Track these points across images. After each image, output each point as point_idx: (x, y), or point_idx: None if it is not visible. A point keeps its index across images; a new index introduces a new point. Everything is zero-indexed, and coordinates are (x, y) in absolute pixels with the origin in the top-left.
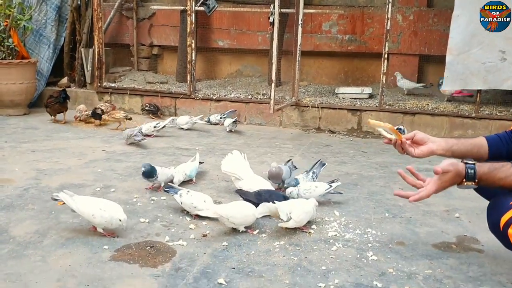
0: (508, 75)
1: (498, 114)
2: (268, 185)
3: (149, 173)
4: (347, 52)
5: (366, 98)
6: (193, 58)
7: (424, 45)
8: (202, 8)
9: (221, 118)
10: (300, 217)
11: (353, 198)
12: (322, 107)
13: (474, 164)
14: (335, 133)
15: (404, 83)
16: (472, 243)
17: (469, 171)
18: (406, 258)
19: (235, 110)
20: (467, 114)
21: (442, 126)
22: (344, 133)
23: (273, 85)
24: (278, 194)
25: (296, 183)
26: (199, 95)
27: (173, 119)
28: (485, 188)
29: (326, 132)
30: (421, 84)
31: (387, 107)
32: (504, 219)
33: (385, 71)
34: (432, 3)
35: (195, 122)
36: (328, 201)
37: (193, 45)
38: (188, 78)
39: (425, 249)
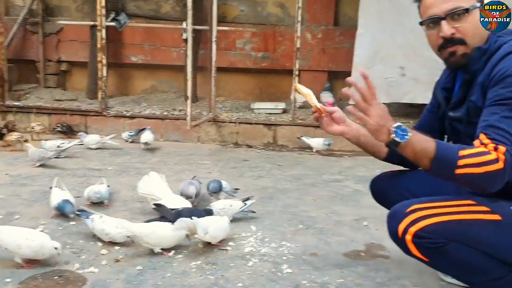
0: (408, 90)
1: None
2: (188, 204)
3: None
4: (261, 68)
5: (280, 113)
6: (104, 74)
7: (332, 62)
8: (113, 24)
9: (130, 136)
10: (216, 234)
11: (268, 211)
12: (239, 122)
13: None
14: (252, 147)
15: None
16: (379, 250)
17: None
18: (318, 268)
19: (144, 128)
20: None
21: (347, 140)
22: (261, 147)
23: (188, 101)
24: (200, 212)
25: (220, 185)
26: (112, 112)
27: (80, 137)
28: (387, 198)
29: (244, 146)
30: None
31: (299, 121)
32: (401, 227)
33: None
34: (338, 22)
35: (105, 142)
36: (245, 216)
37: (104, 61)
38: (99, 95)
39: (336, 259)
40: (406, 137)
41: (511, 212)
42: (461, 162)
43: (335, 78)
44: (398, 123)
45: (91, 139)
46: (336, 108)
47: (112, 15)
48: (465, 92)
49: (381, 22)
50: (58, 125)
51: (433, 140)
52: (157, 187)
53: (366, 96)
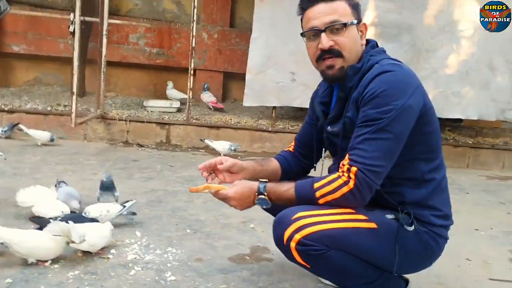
0: (298, 94)
1: (291, 128)
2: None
3: None
4: (156, 65)
5: (174, 112)
6: None
7: (228, 63)
8: None
9: (1, 132)
10: (95, 241)
11: (156, 216)
12: (130, 120)
13: (266, 181)
14: (143, 146)
15: (172, 93)
16: (263, 253)
17: (260, 185)
18: (203, 274)
19: (18, 123)
20: (264, 128)
21: (243, 139)
22: (153, 147)
23: (74, 97)
24: (84, 220)
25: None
26: None
27: None
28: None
29: (135, 146)
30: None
31: (194, 121)
32: (286, 234)
33: (191, 86)
34: (234, 24)
35: None
36: (131, 222)
37: None
38: None
39: (221, 263)
40: (268, 204)
41: (386, 220)
42: (317, 193)
43: (230, 79)
44: (257, 197)
45: None
46: (230, 163)
47: None
48: (342, 108)
49: (274, 28)
50: None
51: (291, 186)
52: (38, 194)
53: (218, 196)
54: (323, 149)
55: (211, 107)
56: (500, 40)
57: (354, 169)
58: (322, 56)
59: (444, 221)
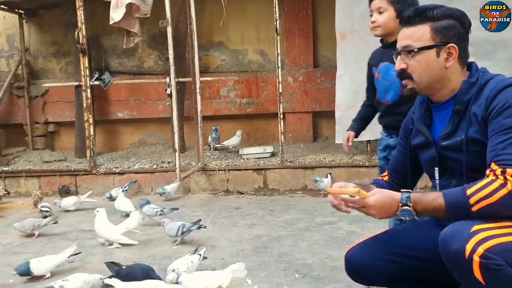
0: None
1: None
2: None
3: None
4: (246, 114)
5: (269, 157)
6: (92, 132)
7: (316, 103)
8: (97, 83)
9: (123, 191)
10: None
11: (264, 262)
12: (228, 170)
13: (409, 191)
14: (243, 193)
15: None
16: None
17: (403, 195)
18: None
19: (136, 181)
20: (361, 163)
21: (340, 176)
22: (252, 193)
23: (176, 154)
24: (143, 268)
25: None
26: (101, 170)
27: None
28: (368, 271)
29: (235, 193)
30: None
31: (288, 163)
32: (469, 246)
33: (282, 130)
34: (317, 64)
35: (83, 201)
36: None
37: (91, 120)
38: (88, 154)
39: None
40: (413, 215)
41: None
42: (472, 200)
43: (319, 118)
44: (400, 207)
45: (68, 201)
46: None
47: (96, 75)
48: (458, 122)
49: (358, 63)
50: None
51: (439, 195)
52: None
53: (355, 204)
54: (435, 168)
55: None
56: None
57: (510, 170)
58: (399, 75)
59: None
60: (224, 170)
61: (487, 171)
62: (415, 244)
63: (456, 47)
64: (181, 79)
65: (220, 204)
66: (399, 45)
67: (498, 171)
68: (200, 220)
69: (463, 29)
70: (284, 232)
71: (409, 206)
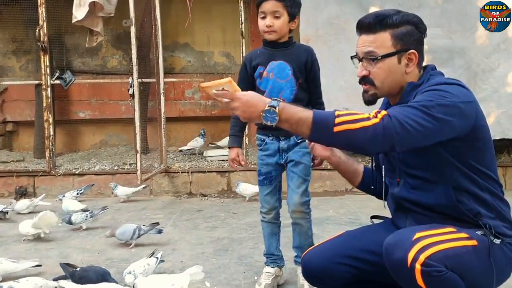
0: None
1: None
2: None
3: None
4: (212, 116)
5: None
6: (51, 132)
7: None
8: (58, 82)
9: (78, 194)
10: None
11: (224, 265)
12: (192, 172)
13: (280, 100)
14: (206, 196)
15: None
16: None
17: (273, 100)
18: None
19: (93, 184)
20: (323, 166)
21: None
22: (215, 196)
23: (138, 155)
24: (97, 272)
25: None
26: (60, 171)
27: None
28: (325, 275)
29: (198, 196)
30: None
31: (252, 166)
32: (411, 255)
33: (246, 132)
34: None
35: (37, 205)
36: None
37: (51, 120)
38: (47, 154)
39: None
40: (275, 118)
41: (480, 236)
42: (337, 120)
43: None
44: (267, 107)
45: (21, 205)
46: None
47: (57, 73)
48: None
49: (322, 67)
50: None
51: (310, 110)
52: None
53: (225, 96)
54: (382, 166)
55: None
56: None
57: (384, 112)
58: (360, 81)
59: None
60: (188, 172)
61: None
62: (371, 248)
63: (416, 53)
64: (144, 80)
65: (182, 206)
66: (360, 51)
67: (373, 113)
68: (157, 223)
69: (420, 34)
70: (246, 234)
71: (275, 109)
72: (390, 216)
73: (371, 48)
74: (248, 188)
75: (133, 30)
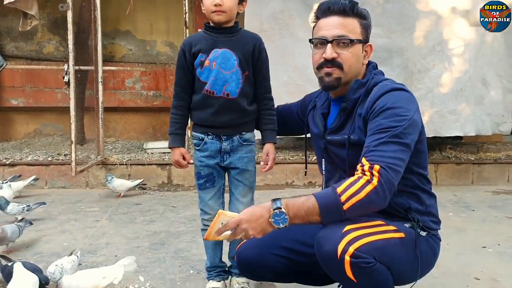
0: None
1: (291, 158)
2: None
3: None
4: (153, 107)
5: None
6: None
7: None
8: None
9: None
10: None
11: (159, 259)
12: (131, 164)
13: (279, 198)
14: (145, 189)
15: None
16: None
17: (273, 200)
18: None
19: (20, 175)
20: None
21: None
22: (155, 189)
23: (73, 146)
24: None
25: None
26: None
27: None
28: (260, 266)
29: (137, 189)
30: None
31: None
32: (340, 247)
33: (189, 125)
34: None
35: None
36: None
37: None
38: None
39: None
40: (286, 218)
41: (407, 229)
42: (342, 197)
43: None
44: (272, 211)
45: None
46: None
47: None
48: (345, 119)
49: None
50: None
51: (311, 196)
52: None
53: (228, 226)
54: (323, 159)
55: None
56: (489, 55)
57: (377, 167)
58: (324, 65)
59: (438, 226)
60: (126, 164)
61: (358, 166)
62: (303, 239)
63: (371, 46)
64: (82, 67)
65: (120, 199)
66: (330, 33)
67: (366, 167)
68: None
69: (370, 32)
70: (184, 228)
71: (281, 209)
72: None
73: (344, 32)
74: (124, 183)
75: (69, 15)
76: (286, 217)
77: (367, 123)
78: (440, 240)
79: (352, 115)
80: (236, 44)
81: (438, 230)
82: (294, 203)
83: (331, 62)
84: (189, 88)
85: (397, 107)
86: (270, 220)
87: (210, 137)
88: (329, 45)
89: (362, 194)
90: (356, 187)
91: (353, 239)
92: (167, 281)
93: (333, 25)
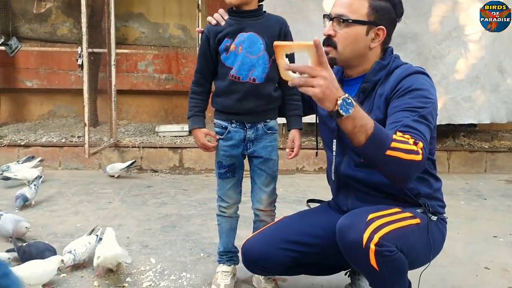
0: None
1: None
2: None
3: None
4: (165, 90)
5: (186, 135)
6: None
7: None
8: (3, 48)
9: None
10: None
11: (170, 241)
12: (143, 147)
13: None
14: (157, 172)
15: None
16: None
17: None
18: None
19: (33, 157)
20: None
21: None
22: (167, 172)
23: (86, 128)
24: (38, 247)
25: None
26: (4, 142)
27: None
28: (267, 261)
29: (149, 171)
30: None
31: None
32: (366, 235)
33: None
34: None
35: None
36: (145, 247)
37: None
38: None
39: (236, 287)
40: (350, 110)
41: (420, 214)
42: (393, 144)
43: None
44: (345, 95)
45: None
46: None
47: (2, 39)
48: (362, 100)
49: None
50: None
51: (372, 119)
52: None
53: (305, 70)
54: (334, 140)
55: None
56: (506, 42)
57: (421, 144)
58: (325, 42)
59: (444, 210)
60: (138, 147)
61: (400, 134)
62: (309, 231)
63: (385, 30)
64: (95, 50)
65: (132, 182)
66: (333, 11)
67: (411, 141)
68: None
69: (395, 15)
70: (195, 211)
71: (353, 102)
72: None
73: (344, 11)
74: (115, 166)
75: None
76: (350, 109)
77: (388, 103)
78: (447, 223)
79: (371, 96)
80: (262, 27)
81: (444, 214)
82: (361, 111)
83: (328, 40)
84: (210, 75)
85: (423, 89)
86: (339, 98)
87: (233, 125)
88: (330, 22)
89: (407, 156)
90: (408, 147)
91: (377, 227)
92: (177, 263)
93: (339, 3)
